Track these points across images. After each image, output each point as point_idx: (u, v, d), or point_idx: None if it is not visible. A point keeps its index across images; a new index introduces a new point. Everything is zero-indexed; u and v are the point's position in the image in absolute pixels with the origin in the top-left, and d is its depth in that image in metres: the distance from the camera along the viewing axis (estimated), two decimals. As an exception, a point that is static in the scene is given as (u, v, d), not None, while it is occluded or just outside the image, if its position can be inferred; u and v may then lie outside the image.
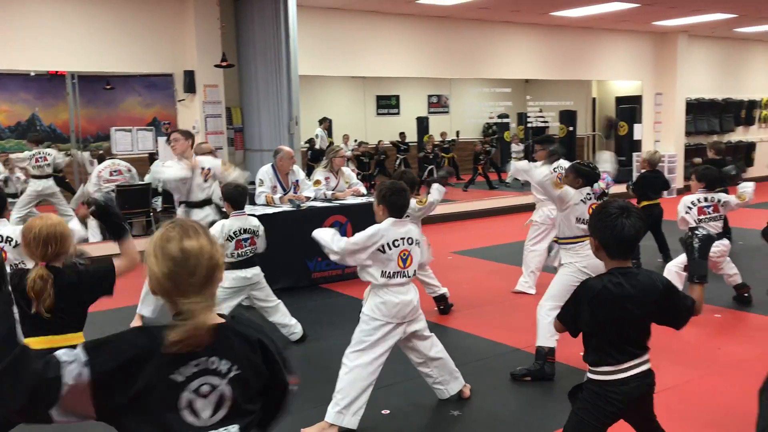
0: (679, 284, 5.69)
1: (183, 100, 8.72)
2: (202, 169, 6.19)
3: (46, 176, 8.81)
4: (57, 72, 9.01)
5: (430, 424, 3.98)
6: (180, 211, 6.19)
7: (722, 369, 4.60)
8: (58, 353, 1.54)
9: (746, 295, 6.07)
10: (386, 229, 3.73)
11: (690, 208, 5.77)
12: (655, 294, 2.62)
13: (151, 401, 1.60)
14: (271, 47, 8.61)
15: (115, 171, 8.55)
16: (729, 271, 6.04)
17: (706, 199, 5.86)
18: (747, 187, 6.13)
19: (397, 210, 3.80)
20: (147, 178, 8.90)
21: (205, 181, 6.19)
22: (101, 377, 1.54)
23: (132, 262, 3.11)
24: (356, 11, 10.28)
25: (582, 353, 2.74)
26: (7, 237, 3.72)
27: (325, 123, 13.83)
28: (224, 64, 8.24)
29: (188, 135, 6.26)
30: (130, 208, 8.65)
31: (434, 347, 4.04)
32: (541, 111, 13.88)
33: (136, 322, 5.82)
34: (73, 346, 1.58)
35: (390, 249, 3.71)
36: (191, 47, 8.54)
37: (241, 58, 9.10)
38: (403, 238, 3.76)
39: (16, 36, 7.69)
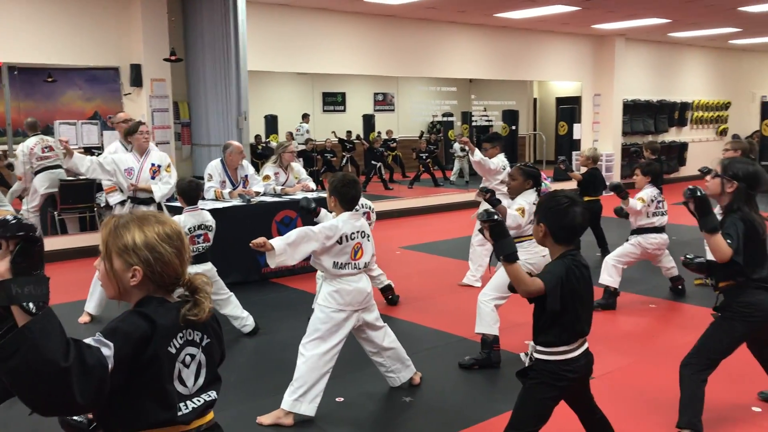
0: (617, 276, 5.99)
1: (129, 93, 8.61)
2: (152, 165, 6.16)
3: None
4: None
5: (383, 411, 4.10)
6: (126, 208, 6.09)
7: (657, 355, 4.87)
8: (90, 342, 1.60)
9: (680, 287, 6.39)
10: (344, 223, 3.84)
11: (652, 201, 6.00)
12: (590, 274, 2.84)
13: (154, 374, 1.72)
14: (219, 42, 8.59)
15: (46, 147, 8.23)
16: (667, 264, 6.35)
17: (659, 194, 6.14)
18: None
19: (348, 201, 3.92)
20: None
21: (153, 178, 6.16)
22: (119, 363, 1.62)
23: None
24: (305, 8, 10.32)
25: (529, 340, 2.90)
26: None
27: (307, 118, 13.91)
28: (173, 58, 8.18)
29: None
30: (74, 203, 8.51)
31: (387, 337, 4.17)
32: (485, 110, 14.18)
33: (84, 318, 5.77)
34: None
35: (347, 241, 3.82)
36: (138, 40, 8.45)
37: (189, 53, 9.04)
38: (357, 232, 3.88)
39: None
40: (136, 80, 8.45)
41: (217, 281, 5.23)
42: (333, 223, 3.85)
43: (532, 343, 2.91)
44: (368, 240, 3.96)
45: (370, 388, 4.31)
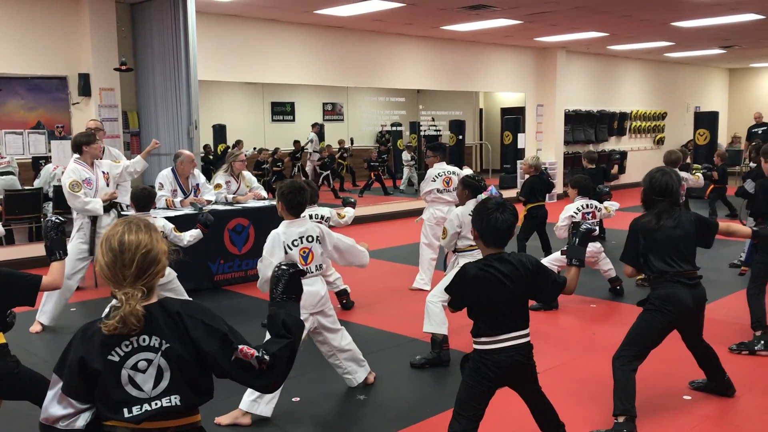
0: (556, 277, 6.28)
1: (77, 103, 8.55)
2: (103, 173, 6.18)
3: None
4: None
5: (338, 409, 4.24)
6: (85, 219, 6.09)
7: (597, 351, 5.13)
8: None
9: (618, 287, 6.72)
10: (283, 232, 3.97)
11: (577, 213, 6.39)
12: (526, 272, 3.04)
13: (100, 384, 1.87)
14: (169, 52, 8.61)
15: None
16: (605, 266, 6.67)
17: (587, 206, 6.53)
18: (613, 205, 6.92)
19: (294, 207, 4.04)
20: (37, 183, 8.64)
21: (107, 185, 6.18)
22: (69, 390, 1.90)
23: (55, 282, 3.22)
24: (255, 18, 10.41)
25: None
26: None
27: (316, 127, 13.97)
28: (123, 68, 8.17)
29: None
30: (20, 213, 8.39)
31: (344, 339, 4.30)
32: (433, 120, 14.47)
33: (35, 327, 5.75)
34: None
35: (290, 249, 3.95)
36: (86, 50, 8.41)
37: (138, 62, 9.04)
38: (301, 237, 4.00)
39: None
40: (85, 90, 8.40)
41: (177, 286, 5.30)
42: (271, 238, 3.97)
43: (478, 336, 3.11)
44: (317, 243, 4.07)
45: (325, 387, 4.44)
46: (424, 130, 14.36)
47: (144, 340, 1.88)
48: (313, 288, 4.03)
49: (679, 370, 4.47)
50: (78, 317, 6.21)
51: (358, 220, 11.82)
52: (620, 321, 6.02)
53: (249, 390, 3.89)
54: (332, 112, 15.97)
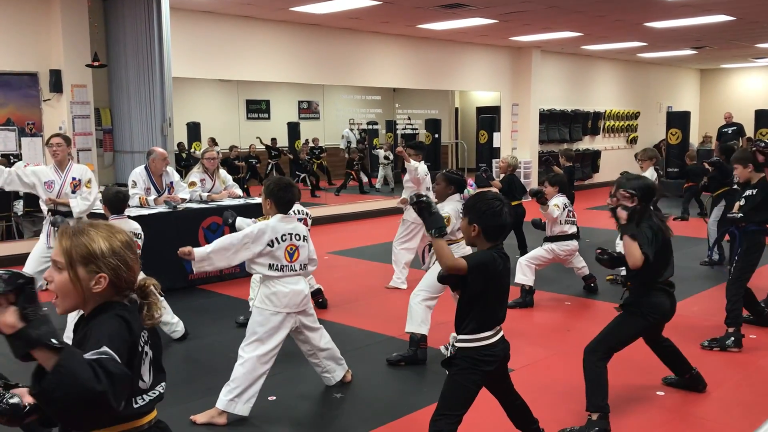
0: (530, 275, 6.33)
1: (48, 99, 8.41)
2: (73, 179, 6.06)
3: None
4: None
5: (315, 407, 4.22)
6: (50, 219, 5.99)
7: (571, 348, 5.16)
8: (99, 356, 1.67)
9: (592, 285, 6.79)
10: (274, 225, 3.94)
11: (564, 208, 6.43)
12: (509, 266, 3.10)
13: (133, 373, 1.83)
14: (143, 48, 8.51)
15: None
16: (578, 264, 6.73)
17: (569, 203, 6.58)
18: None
19: (284, 204, 4.02)
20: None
21: (73, 192, 6.05)
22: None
23: None
24: (229, 15, 10.33)
25: (453, 333, 3.09)
26: None
27: (352, 122, 13.89)
28: (96, 64, 8.05)
29: (68, 141, 6.18)
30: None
31: (323, 338, 4.28)
32: (409, 119, 14.49)
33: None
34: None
35: (278, 243, 3.92)
36: (57, 45, 8.27)
37: (111, 58, 8.92)
38: (290, 234, 3.98)
39: None
40: (56, 86, 8.27)
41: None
42: (259, 226, 3.93)
43: (453, 334, 3.11)
44: (304, 242, 4.05)
45: (302, 386, 4.43)
46: (402, 129, 14.36)
47: (143, 335, 1.91)
48: (297, 287, 4.00)
49: (652, 366, 4.52)
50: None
51: (334, 219, 11.84)
52: (595, 318, 6.08)
53: (227, 389, 3.87)
54: (308, 110, 15.90)
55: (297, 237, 4.00)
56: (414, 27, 11.86)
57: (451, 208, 4.94)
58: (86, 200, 6.04)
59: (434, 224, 3.05)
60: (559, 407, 4.07)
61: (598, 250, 3.95)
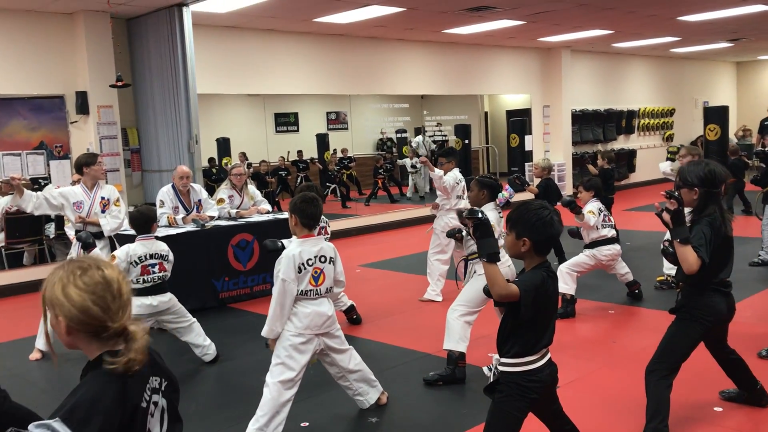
0: (572, 283, 6.06)
1: (76, 121, 8.40)
2: (102, 198, 5.99)
3: None
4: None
5: (349, 433, 4.03)
6: (102, 243, 5.94)
7: (618, 360, 4.91)
8: (52, 427, 1.49)
9: (637, 291, 6.48)
10: (298, 252, 3.75)
11: (600, 212, 6.16)
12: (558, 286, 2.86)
13: None
14: (167, 66, 8.47)
15: None
16: (621, 270, 6.44)
17: (602, 209, 6.29)
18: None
19: (308, 218, 3.84)
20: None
21: (103, 211, 5.98)
22: None
23: None
24: (253, 29, 10.26)
25: (494, 353, 2.87)
26: None
27: (419, 132, 13.99)
28: (120, 84, 8.02)
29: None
30: (20, 237, 8.24)
31: (353, 360, 4.10)
32: (439, 125, 14.31)
33: (35, 355, 5.57)
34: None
35: (305, 269, 3.75)
36: (83, 67, 8.26)
37: (136, 78, 8.89)
38: (316, 257, 3.81)
39: None
40: (83, 108, 8.26)
41: (179, 309, 5.10)
42: (286, 259, 3.74)
43: (496, 356, 2.89)
44: (330, 264, 3.87)
45: (336, 410, 4.24)
46: (431, 136, 14.18)
47: (153, 381, 1.74)
48: (320, 308, 3.83)
49: (708, 379, 4.23)
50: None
51: (365, 230, 11.67)
52: (641, 327, 5.80)
53: (254, 418, 3.70)
54: (336, 120, 15.81)
55: (323, 259, 3.82)
56: (439, 32, 11.67)
57: (491, 217, 4.70)
58: (116, 218, 5.99)
59: (488, 248, 2.74)
60: (610, 427, 3.81)
61: (666, 241, 3.62)
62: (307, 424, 4.05)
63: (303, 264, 3.74)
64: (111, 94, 8.40)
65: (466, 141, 15.12)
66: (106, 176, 6.14)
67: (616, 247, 6.26)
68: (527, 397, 2.79)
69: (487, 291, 2.88)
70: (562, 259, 7.75)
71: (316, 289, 3.80)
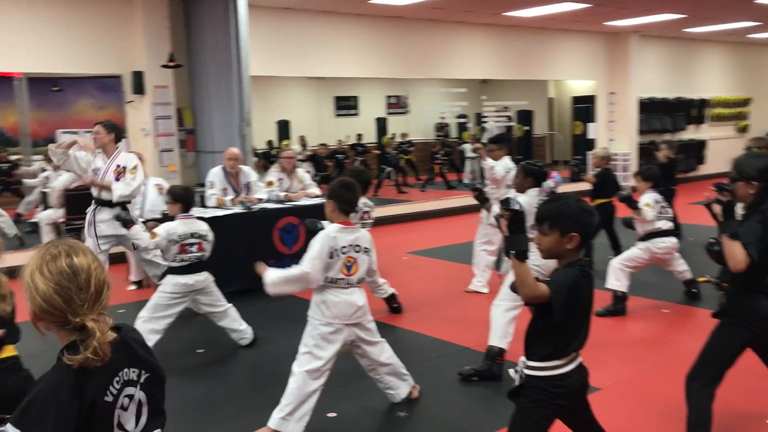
0: (624, 280, 5.79)
1: (132, 101, 8.53)
2: (118, 165, 5.95)
3: None
4: (7, 74, 8.77)
5: (376, 427, 3.94)
6: (90, 208, 6.00)
7: (668, 363, 4.64)
8: None
9: (695, 290, 6.15)
10: (334, 236, 3.66)
11: (657, 203, 5.84)
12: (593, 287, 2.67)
13: (94, 428, 1.58)
14: (222, 48, 8.48)
15: None
16: (678, 267, 6.12)
17: (662, 198, 5.98)
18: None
19: (346, 203, 3.74)
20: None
21: (117, 179, 5.88)
22: None
23: None
24: (310, 11, 10.20)
25: (522, 357, 2.71)
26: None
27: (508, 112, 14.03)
28: (171, 64, 8.08)
29: (111, 128, 6.00)
30: (80, 213, 8.41)
31: (384, 353, 3.99)
32: (506, 109, 14.05)
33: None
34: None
35: (337, 256, 3.65)
36: (140, 48, 8.36)
37: (192, 59, 8.94)
38: (351, 245, 3.70)
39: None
40: (139, 88, 8.36)
41: (214, 291, 5.09)
42: (321, 239, 3.64)
43: (523, 358, 2.73)
44: (365, 254, 3.76)
45: (364, 402, 4.15)
46: (488, 121, 13.91)
47: (126, 374, 1.66)
48: (350, 297, 3.73)
49: (758, 389, 3.95)
50: (126, 320, 6.09)
51: (419, 216, 11.52)
52: (697, 329, 5.47)
53: (279, 407, 3.64)
54: (396, 105, 15.71)
55: (357, 249, 3.72)
56: (499, 15, 11.35)
57: (523, 200, 4.50)
58: (129, 185, 5.87)
59: (516, 245, 2.55)
60: (650, 436, 3.60)
61: (712, 239, 3.36)
62: (335, 415, 3.97)
63: (336, 250, 3.65)
64: (166, 75, 8.48)
65: (527, 127, 14.80)
66: (120, 148, 6.01)
67: (672, 240, 5.93)
68: (554, 403, 2.62)
69: (514, 288, 2.72)
70: (618, 253, 7.44)
71: (347, 279, 3.70)
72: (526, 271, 2.54)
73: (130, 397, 1.66)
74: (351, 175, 5.73)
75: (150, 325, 4.77)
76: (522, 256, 2.55)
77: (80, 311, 1.58)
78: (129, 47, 8.42)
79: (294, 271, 3.62)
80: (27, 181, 9.87)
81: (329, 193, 3.78)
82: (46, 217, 8.34)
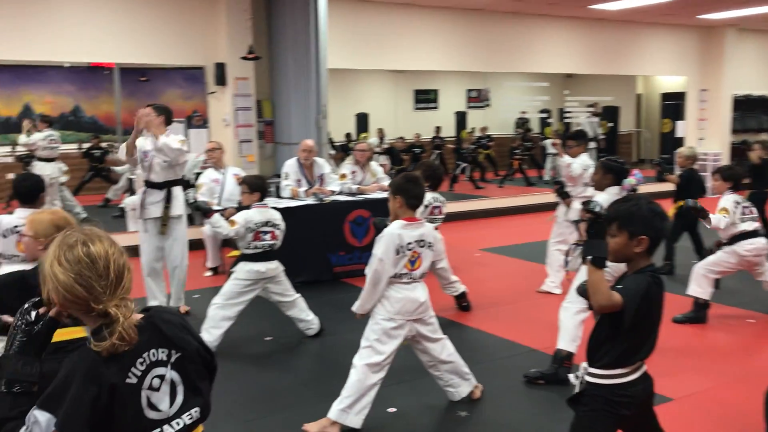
0: (707, 287, 5.49)
1: (214, 92, 8.74)
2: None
3: (54, 159, 8.78)
4: (100, 64, 9.18)
5: (435, 425, 3.89)
6: (139, 192, 5.85)
7: (750, 376, 4.38)
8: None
9: (784, 300, 5.78)
10: (399, 233, 3.63)
11: (737, 206, 5.51)
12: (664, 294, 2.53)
13: (118, 410, 1.61)
14: (301, 40, 8.57)
15: None
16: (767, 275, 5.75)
17: (743, 199, 5.63)
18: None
19: (414, 198, 3.71)
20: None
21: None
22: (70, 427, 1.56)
23: None
24: (389, 3, 10.17)
25: (583, 363, 2.59)
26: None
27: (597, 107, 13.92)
28: (251, 56, 8.21)
29: (162, 110, 5.56)
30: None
31: (445, 350, 3.94)
32: (594, 105, 13.68)
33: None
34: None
35: (403, 252, 3.63)
36: (222, 39, 8.55)
37: (273, 51, 9.08)
38: (416, 241, 3.67)
39: (58, 29, 7.77)
40: (221, 79, 8.56)
41: (284, 280, 5.15)
42: (386, 237, 3.62)
43: (584, 364, 2.62)
44: (429, 249, 3.73)
45: (426, 398, 4.10)
46: (572, 117, 13.56)
47: (153, 355, 1.68)
48: (412, 293, 3.70)
49: None
50: (201, 305, 6.15)
51: (495, 212, 11.35)
52: (783, 342, 5.18)
53: (339, 399, 3.65)
54: (476, 99, 15.50)
55: (421, 244, 3.68)
56: (584, 8, 11.00)
57: (602, 198, 4.33)
58: (174, 142, 5.47)
59: (593, 251, 2.44)
60: (724, 452, 3.40)
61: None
62: (395, 410, 3.95)
63: (402, 246, 3.62)
64: (247, 67, 8.64)
65: (612, 124, 14.33)
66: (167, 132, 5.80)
67: (761, 241, 5.53)
68: (616, 413, 2.50)
69: (582, 292, 2.61)
70: (702, 257, 7.09)
71: (410, 274, 3.67)
72: (601, 278, 2.43)
73: (161, 377, 1.68)
74: (424, 170, 5.71)
75: (223, 312, 4.89)
76: (599, 262, 2.44)
77: (102, 298, 1.60)
78: (212, 39, 8.63)
79: (366, 285, 3.70)
80: (116, 168, 10.30)
81: (395, 188, 3.75)
82: (131, 202, 8.65)
